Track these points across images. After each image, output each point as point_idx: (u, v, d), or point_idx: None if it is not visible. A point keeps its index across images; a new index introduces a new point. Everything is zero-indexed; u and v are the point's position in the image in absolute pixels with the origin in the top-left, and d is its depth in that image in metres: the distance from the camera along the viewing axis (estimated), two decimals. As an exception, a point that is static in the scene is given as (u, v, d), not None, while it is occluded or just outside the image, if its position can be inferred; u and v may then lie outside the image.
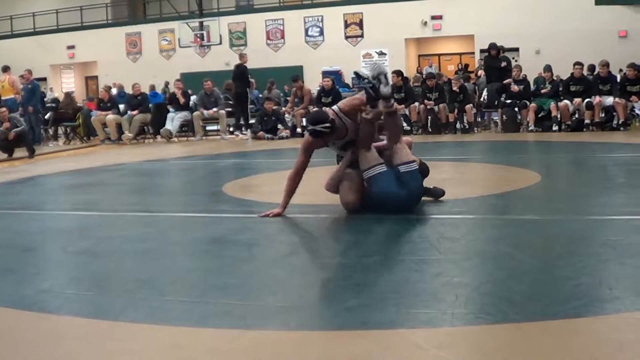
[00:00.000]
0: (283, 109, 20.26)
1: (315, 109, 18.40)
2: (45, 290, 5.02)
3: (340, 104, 7.51)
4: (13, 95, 20.07)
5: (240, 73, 20.44)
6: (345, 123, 7.28)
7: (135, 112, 19.74)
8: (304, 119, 19.19)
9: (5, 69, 20.58)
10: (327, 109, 7.66)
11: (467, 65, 30.65)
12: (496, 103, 18.04)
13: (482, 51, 21.59)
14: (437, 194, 7.72)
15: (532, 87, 18.16)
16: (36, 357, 3.75)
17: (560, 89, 17.11)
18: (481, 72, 21.07)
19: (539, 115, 16.94)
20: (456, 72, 25.35)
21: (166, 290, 4.88)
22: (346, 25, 31.97)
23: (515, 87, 17.48)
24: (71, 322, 4.31)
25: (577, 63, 17.02)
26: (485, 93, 18.80)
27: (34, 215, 8.54)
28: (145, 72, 30.82)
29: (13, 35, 36.37)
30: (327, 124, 7.12)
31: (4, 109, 16.97)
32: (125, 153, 16.89)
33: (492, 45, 18.96)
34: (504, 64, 18.49)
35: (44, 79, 33.81)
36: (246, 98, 20.38)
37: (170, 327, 4.10)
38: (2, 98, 19.75)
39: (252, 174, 11.72)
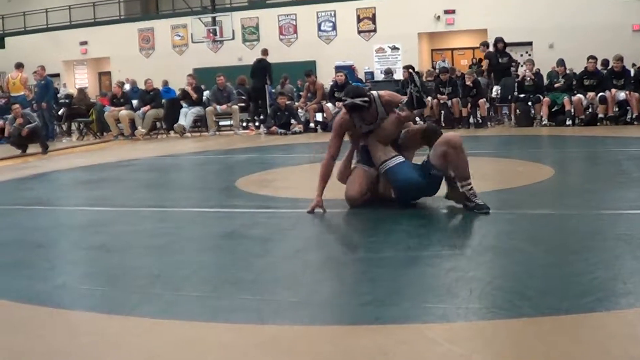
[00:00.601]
0: (296, 103, 20.24)
1: (328, 103, 18.49)
2: (59, 285, 5.04)
3: (381, 92, 7.53)
4: (24, 92, 20.10)
5: (263, 68, 20.51)
6: (378, 110, 7.28)
7: (147, 108, 19.76)
8: (317, 114, 19.20)
9: (18, 66, 20.62)
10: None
11: (480, 60, 30.54)
12: (509, 97, 18.01)
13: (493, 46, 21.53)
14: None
15: (546, 82, 18.10)
16: (51, 352, 3.76)
17: (574, 83, 17.05)
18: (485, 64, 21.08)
19: (553, 110, 16.89)
20: (470, 67, 25.26)
21: (180, 285, 4.89)
22: (359, 20, 31.94)
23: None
24: (85, 317, 4.32)
25: (591, 57, 16.98)
26: (498, 88, 18.76)
27: (47, 211, 8.57)
28: (158, 67, 30.82)
29: (26, 31, 36.45)
30: (366, 99, 7.13)
31: (17, 105, 17.03)
32: (138, 148, 16.92)
33: (499, 39, 19.02)
34: (505, 59, 18.65)
35: (57, 75, 33.85)
36: (264, 92, 20.44)
37: (184, 322, 4.10)
38: (13, 95, 19.80)
39: (266, 169, 11.70)
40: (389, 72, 22.95)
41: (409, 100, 7.24)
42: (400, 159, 7.19)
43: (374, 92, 7.46)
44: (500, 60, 18.80)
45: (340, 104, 15.51)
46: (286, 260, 5.54)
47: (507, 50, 19.54)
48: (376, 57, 28.26)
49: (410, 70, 9.00)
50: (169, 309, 4.36)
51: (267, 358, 3.55)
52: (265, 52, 21.30)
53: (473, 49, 31.57)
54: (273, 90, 22.12)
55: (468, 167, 6.94)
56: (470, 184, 6.85)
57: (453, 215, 6.89)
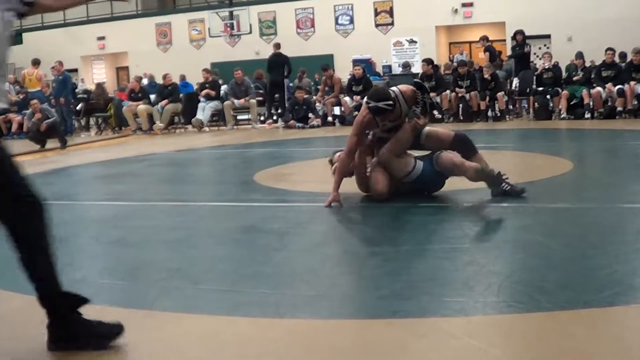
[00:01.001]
0: (314, 97, 20.25)
1: (346, 97, 18.48)
2: (79, 280, 5.05)
3: (401, 87, 7.44)
4: (40, 88, 20.15)
5: (282, 61, 20.54)
6: (402, 106, 7.25)
7: (165, 102, 19.80)
8: (334, 108, 19.20)
9: (35, 63, 20.69)
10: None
11: (500, 52, 30.43)
12: (528, 91, 17.96)
13: (512, 38, 21.42)
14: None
15: (564, 75, 18.04)
16: (71, 345, 3.78)
17: (592, 76, 16.99)
18: (505, 59, 21.02)
19: (571, 103, 16.84)
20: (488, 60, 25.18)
21: (199, 279, 4.91)
22: (376, 14, 31.85)
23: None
24: (105, 311, 4.34)
25: (609, 49, 16.95)
26: (516, 81, 18.72)
27: (66, 205, 8.59)
28: (175, 62, 30.84)
29: (44, 27, 36.49)
30: (390, 102, 7.09)
31: (35, 100, 17.10)
32: (156, 143, 16.96)
33: (518, 31, 19.06)
34: (527, 48, 18.64)
35: (75, 70, 33.92)
36: (283, 86, 20.48)
37: (203, 315, 4.12)
38: (30, 91, 19.87)
39: (283, 163, 11.71)
40: (406, 66, 22.93)
41: (422, 108, 7.22)
42: (420, 164, 7.19)
43: (395, 89, 7.40)
44: (515, 51, 18.77)
45: (358, 98, 15.50)
46: (304, 254, 5.55)
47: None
48: (394, 50, 28.22)
49: (424, 83, 8.90)
50: (188, 302, 4.38)
51: (285, 352, 3.56)
52: (278, 46, 21.29)
53: (491, 41, 31.45)
54: (291, 84, 22.12)
55: (481, 163, 7.01)
56: (492, 170, 6.90)
57: (471, 208, 6.89)
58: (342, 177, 7.29)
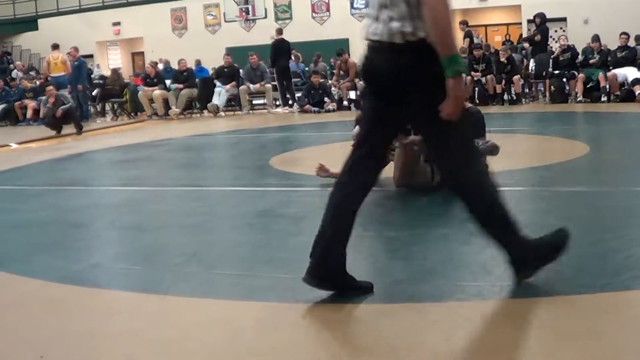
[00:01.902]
0: (329, 82, 20.22)
1: (361, 82, 18.42)
2: (95, 265, 5.08)
3: None
4: (64, 72, 20.15)
5: (288, 48, 20.51)
6: None
7: (181, 86, 19.81)
8: (350, 92, 19.17)
9: (56, 47, 20.69)
10: None
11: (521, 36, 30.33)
12: (544, 74, 17.90)
13: (529, 21, 21.27)
14: None
15: (580, 58, 17.96)
16: (87, 331, 3.80)
17: (609, 59, 16.94)
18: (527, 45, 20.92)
19: (588, 86, 16.76)
20: (504, 43, 25.07)
21: (215, 264, 4.92)
22: (392, -3, 31.73)
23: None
24: (121, 297, 4.36)
25: (623, 33, 16.96)
26: (532, 64, 18.65)
27: (82, 191, 8.63)
28: (191, 47, 30.82)
29: (59, 12, 36.50)
30: None
31: (50, 86, 17.13)
32: (172, 128, 16.99)
33: (538, 14, 19.00)
34: (537, 37, 18.55)
35: (91, 56, 33.94)
36: (289, 72, 20.45)
37: (219, 300, 4.13)
38: (54, 75, 19.86)
39: (299, 148, 11.72)
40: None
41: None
42: None
43: None
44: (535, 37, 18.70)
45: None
46: (320, 239, 5.55)
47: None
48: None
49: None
50: (203, 287, 4.40)
51: (301, 336, 3.56)
52: (281, 31, 21.21)
53: (507, 25, 31.32)
54: (306, 69, 22.06)
55: None
56: None
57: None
58: None
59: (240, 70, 20.99)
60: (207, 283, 4.49)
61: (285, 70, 20.31)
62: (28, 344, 3.64)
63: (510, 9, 29.86)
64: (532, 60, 18.67)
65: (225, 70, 20.26)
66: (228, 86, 19.83)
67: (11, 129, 20.11)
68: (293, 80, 20.85)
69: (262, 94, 20.11)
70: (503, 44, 23.23)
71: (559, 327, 3.45)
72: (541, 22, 18.96)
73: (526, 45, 20.21)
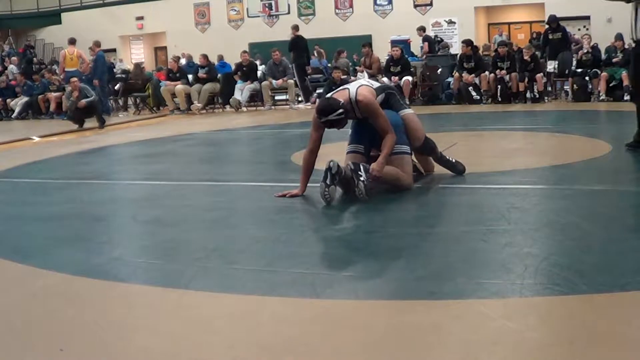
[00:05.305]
0: (352, 77, 20.19)
1: (384, 78, 18.40)
2: (116, 258, 5.09)
3: (361, 93, 7.05)
4: (78, 68, 20.15)
5: (305, 45, 20.50)
6: (356, 111, 7.09)
7: (203, 76, 19.89)
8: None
9: (73, 42, 20.72)
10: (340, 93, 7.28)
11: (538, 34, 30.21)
12: (567, 72, 17.82)
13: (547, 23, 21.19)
14: (458, 170, 7.54)
15: (604, 56, 17.87)
16: (108, 324, 3.81)
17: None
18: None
19: (611, 85, 16.69)
20: (530, 41, 24.99)
21: (235, 259, 4.93)
22: (415, -6, 31.72)
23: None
24: (142, 290, 4.37)
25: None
26: (553, 63, 18.56)
27: (104, 184, 8.66)
28: (213, 42, 30.88)
29: (82, 7, 36.62)
30: (340, 111, 6.89)
31: (75, 78, 17.18)
32: (194, 123, 17.02)
33: (552, 18, 18.83)
34: (558, 35, 18.43)
35: (114, 50, 34.10)
36: (305, 69, 20.44)
37: (240, 295, 4.13)
38: (68, 70, 19.87)
39: (321, 143, 11.70)
40: (445, 47, 22.79)
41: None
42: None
43: (352, 91, 7.11)
44: (551, 36, 18.56)
45: (396, 78, 15.41)
46: (341, 235, 5.55)
47: (564, 24, 19.31)
48: (432, 31, 28.02)
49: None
50: (224, 282, 4.40)
51: (321, 332, 3.56)
52: (297, 28, 21.18)
53: (530, 23, 31.18)
54: (329, 65, 22.05)
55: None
56: None
57: (509, 190, 6.84)
58: (308, 176, 7.12)
59: (263, 66, 21.01)
60: (228, 278, 4.50)
61: (302, 68, 20.30)
62: (48, 337, 3.66)
63: (533, 7, 29.74)
64: (549, 62, 18.50)
65: (244, 67, 20.26)
66: (246, 84, 19.88)
67: (34, 122, 20.22)
68: (315, 76, 20.84)
69: (284, 89, 20.13)
70: (529, 41, 23.14)
71: (578, 326, 3.44)
72: (557, 24, 18.79)
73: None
